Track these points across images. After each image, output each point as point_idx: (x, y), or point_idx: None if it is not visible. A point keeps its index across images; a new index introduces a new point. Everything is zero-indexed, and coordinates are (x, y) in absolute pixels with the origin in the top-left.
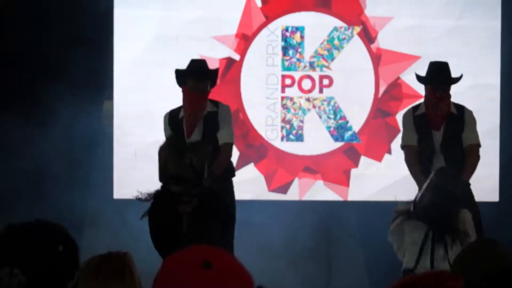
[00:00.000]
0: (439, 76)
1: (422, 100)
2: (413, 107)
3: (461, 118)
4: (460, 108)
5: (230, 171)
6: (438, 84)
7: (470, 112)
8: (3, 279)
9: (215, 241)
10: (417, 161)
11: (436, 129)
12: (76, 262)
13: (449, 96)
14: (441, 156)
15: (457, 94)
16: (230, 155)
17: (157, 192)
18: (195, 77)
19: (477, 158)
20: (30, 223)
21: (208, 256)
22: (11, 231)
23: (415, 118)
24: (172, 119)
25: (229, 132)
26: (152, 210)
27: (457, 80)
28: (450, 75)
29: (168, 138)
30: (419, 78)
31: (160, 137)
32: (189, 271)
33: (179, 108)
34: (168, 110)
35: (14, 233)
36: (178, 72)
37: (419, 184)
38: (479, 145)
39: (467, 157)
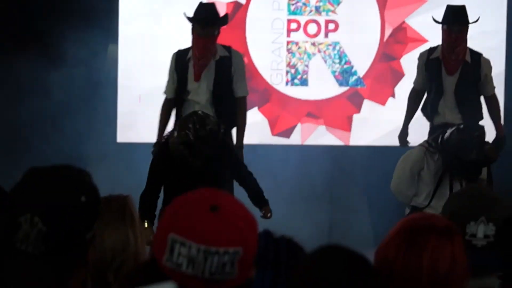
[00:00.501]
0: (455, 17)
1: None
2: (430, 49)
3: (478, 65)
4: (477, 56)
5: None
6: (454, 24)
7: (487, 60)
8: (23, 226)
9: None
10: (414, 101)
11: (450, 74)
12: (96, 213)
13: (465, 40)
14: (454, 100)
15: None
16: (246, 107)
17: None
18: (202, 23)
19: (499, 107)
20: (55, 168)
21: (215, 200)
22: (35, 176)
23: (429, 60)
24: (180, 59)
25: (245, 85)
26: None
27: (472, 22)
28: (466, 16)
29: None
30: (435, 20)
31: (164, 83)
32: (197, 213)
33: (187, 49)
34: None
35: (37, 178)
36: (186, 17)
37: (404, 122)
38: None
39: (492, 108)
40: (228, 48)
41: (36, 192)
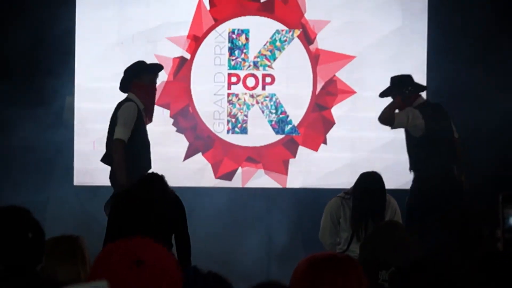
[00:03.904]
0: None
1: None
2: None
3: None
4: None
5: None
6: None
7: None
8: None
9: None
10: None
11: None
12: (43, 246)
13: (401, 106)
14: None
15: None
16: None
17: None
18: (157, 71)
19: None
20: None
21: (141, 254)
22: None
23: None
24: (139, 112)
25: None
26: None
27: (383, 93)
28: (392, 86)
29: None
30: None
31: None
32: (122, 268)
33: (135, 101)
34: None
35: None
36: (142, 66)
37: None
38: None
39: None
40: None
41: None
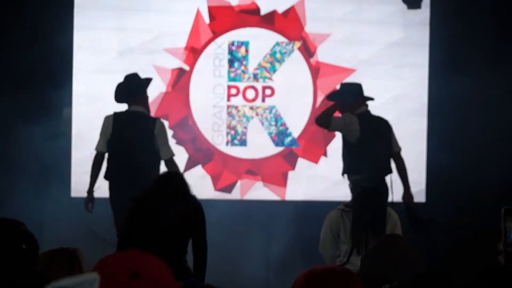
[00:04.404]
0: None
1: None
2: None
3: None
4: None
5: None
6: None
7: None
8: None
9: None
10: None
11: None
12: (36, 257)
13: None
14: None
15: (384, 104)
16: None
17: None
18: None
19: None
20: None
21: (137, 266)
22: None
23: None
24: None
25: None
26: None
27: (329, 96)
28: (338, 91)
29: None
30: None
31: None
32: (117, 280)
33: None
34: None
35: None
36: (144, 79)
37: None
38: None
39: None
40: None
41: None
